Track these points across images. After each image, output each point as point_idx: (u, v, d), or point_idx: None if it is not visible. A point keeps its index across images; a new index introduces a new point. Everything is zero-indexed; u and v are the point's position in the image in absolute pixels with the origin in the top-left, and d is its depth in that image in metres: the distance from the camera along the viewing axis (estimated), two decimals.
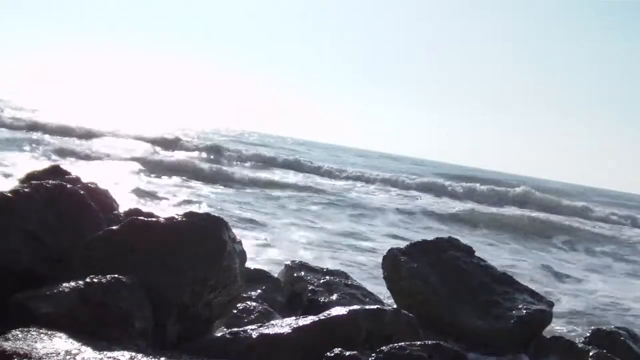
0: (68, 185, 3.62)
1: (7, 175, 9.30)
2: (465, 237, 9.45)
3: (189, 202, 10.94)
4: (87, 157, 16.82)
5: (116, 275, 2.87)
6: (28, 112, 28.47)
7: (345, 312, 3.14)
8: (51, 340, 2.39)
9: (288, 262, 5.21)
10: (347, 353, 2.70)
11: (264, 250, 7.56)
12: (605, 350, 4.16)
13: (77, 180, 4.20)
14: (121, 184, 10.94)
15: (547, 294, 5.87)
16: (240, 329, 3.15)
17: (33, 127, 22.42)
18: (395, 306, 4.43)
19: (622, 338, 4.52)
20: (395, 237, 10.78)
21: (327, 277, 4.87)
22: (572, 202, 25.28)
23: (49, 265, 3.18)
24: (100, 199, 4.07)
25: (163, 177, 14.69)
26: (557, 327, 5.66)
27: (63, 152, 16.82)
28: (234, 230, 3.45)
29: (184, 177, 15.16)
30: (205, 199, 12.05)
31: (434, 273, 4.60)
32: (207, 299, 3.19)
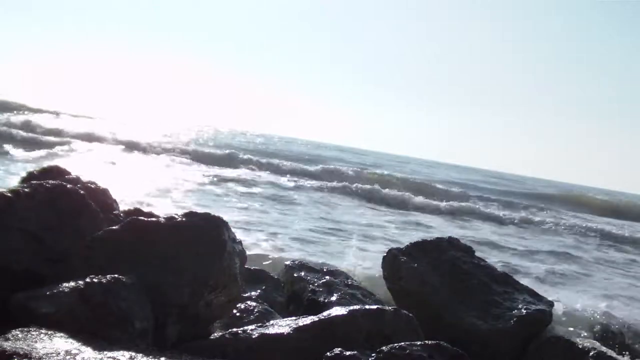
0: (68, 185, 3.62)
1: None
2: None
3: None
4: None
5: (116, 275, 2.87)
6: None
7: (345, 312, 3.14)
8: (51, 340, 2.39)
9: (288, 262, 5.21)
10: (347, 353, 2.70)
11: None
12: (605, 350, 4.15)
13: (77, 180, 4.20)
14: None
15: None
16: (240, 329, 3.14)
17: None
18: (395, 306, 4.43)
19: (622, 338, 4.52)
20: None
21: (327, 277, 4.86)
22: None
23: (49, 265, 3.18)
24: (100, 199, 4.06)
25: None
26: (557, 327, 5.64)
27: None
28: None
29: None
30: None
31: (434, 273, 4.60)
32: (207, 299, 3.19)
